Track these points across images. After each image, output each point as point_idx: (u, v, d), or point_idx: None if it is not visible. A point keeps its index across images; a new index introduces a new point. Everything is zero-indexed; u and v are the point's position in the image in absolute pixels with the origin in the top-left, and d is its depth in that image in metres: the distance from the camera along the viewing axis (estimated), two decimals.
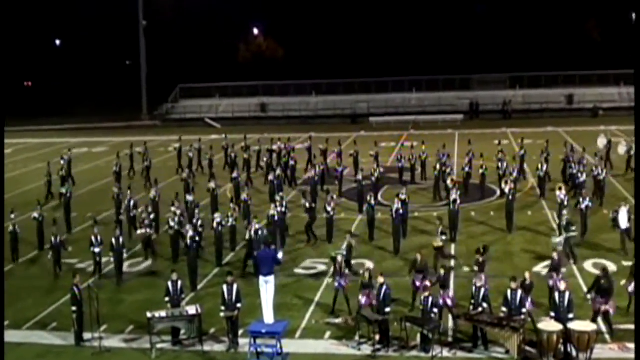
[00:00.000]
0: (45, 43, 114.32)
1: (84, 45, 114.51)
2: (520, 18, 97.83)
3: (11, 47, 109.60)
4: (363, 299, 21.03)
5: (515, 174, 36.24)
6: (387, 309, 20.16)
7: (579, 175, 34.76)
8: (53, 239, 27.53)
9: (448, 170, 37.50)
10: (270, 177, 37.44)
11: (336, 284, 22.73)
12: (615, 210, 27.79)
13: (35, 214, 31.30)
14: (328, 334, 21.26)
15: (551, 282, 21.40)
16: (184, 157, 45.73)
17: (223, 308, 20.57)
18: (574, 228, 26.72)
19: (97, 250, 27.08)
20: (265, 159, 43.82)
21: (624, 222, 27.02)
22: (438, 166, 37.69)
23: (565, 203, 29.73)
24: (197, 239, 26.44)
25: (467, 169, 37.70)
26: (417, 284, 22.32)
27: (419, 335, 19.87)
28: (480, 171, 36.36)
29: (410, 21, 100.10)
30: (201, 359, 20.11)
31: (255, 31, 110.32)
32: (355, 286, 22.39)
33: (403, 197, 30.37)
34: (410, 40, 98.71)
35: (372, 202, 30.55)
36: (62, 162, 43.20)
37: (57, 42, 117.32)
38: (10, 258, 29.29)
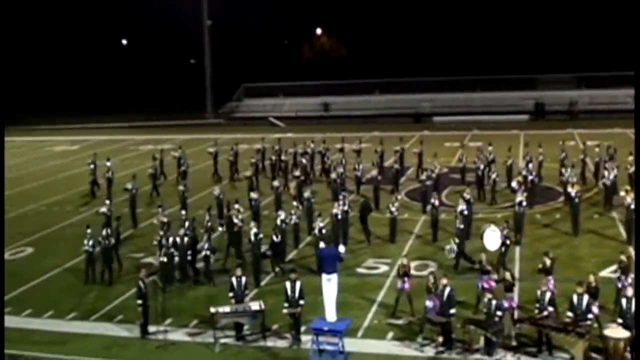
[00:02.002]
0: (112, 42, 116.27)
1: (150, 44, 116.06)
2: (587, 16, 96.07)
3: (80, 46, 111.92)
4: (430, 304, 20.82)
5: (577, 178, 35.50)
6: (451, 311, 20.04)
7: None
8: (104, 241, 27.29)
9: (494, 175, 36.49)
10: (333, 175, 37.51)
11: (399, 286, 22.65)
12: None
13: (103, 209, 31.95)
14: (390, 334, 21.23)
15: (619, 285, 20.97)
16: (244, 156, 45.95)
17: (286, 305, 20.70)
18: None
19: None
20: (325, 159, 43.90)
21: None
22: (482, 166, 37.39)
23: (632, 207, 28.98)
24: (260, 236, 26.61)
25: (524, 172, 36.39)
26: (483, 285, 22.10)
27: (482, 339, 19.73)
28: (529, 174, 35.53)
29: (475, 19, 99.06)
30: (264, 355, 20.28)
31: (319, 31, 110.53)
32: (419, 288, 22.32)
33: (467, 197, 30.13)
34: (475, 38, 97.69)
35: (436, 202, 30.39)
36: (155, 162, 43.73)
37: (124, 41, 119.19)
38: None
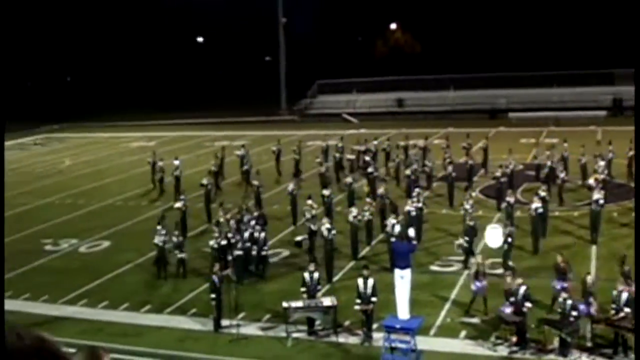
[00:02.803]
0: (188, 40, 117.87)
1: (225, 42, 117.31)
2: None
3: (158, 44, 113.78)
4: (506, 309, 20.36)
5: None
6: (524, 309, 19.67)
7: None
8: (174, 238, 27.53)
9: (562, 174, 35.59)
10: (407, 172, 37.25)
11: (474, 287, 22.31)
12: None
13: (179, 204, 32.38)
14: (463, 333, 20.96)
15: None
16: (311, 154, 46.03)
17: (358, 301, 20.63)
18: None
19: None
20: (396, 156, 43.58)
21: None
22: (549, 163, 36.65)
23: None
24: (333, 232, 26.57)
25: (600, 169, 35.53)
26: (558, 286, 21.60)
27: (557, 339, 19.31)
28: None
29: (553, 13, 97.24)
30: (335, 351, 20.25)
31: (393, 26, 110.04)
32: (493, 286, 21.99)
33: (543, 194, 29.55)
34: (552, 33, 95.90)
35: (511, 199, 29.89)
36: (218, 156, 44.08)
37: (200, 39, 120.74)
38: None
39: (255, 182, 36.10)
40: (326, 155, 44.29)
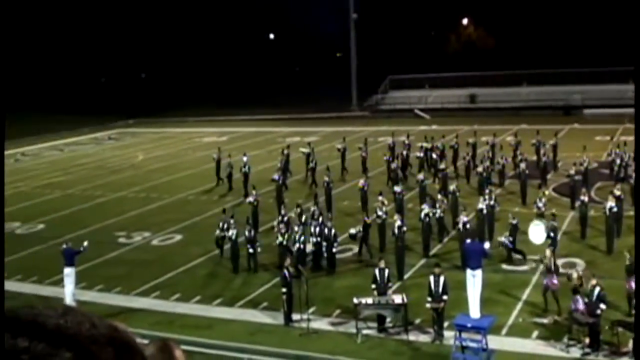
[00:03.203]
0: (260, 37, 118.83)
1: (296, 38, 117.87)
2: None
3: (230, 40, 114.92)
4: (574, 306, 20.04)
5: None
6: (598, 311, 19.31)
7: None
8: (247, 231, 27.66)
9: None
10: (480, 169, 36.89)
11: (544, 282, 22.05)
12: None
13: (251, 199, 32.71)
14: (535, 333, 20.69)
15: None
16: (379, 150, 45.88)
17: (429, 299, 20.53)
18: None
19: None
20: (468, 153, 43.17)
21: None
22: (618, 161, 35.91)
23: None
24: (404, 229, 26.48)
25: None
26: (629, 286, 21.18)
27: (631, 341, 18.91)
28: None
29: (626, 6, 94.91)
30: (406, 348, 20.20)
31: (465, 21, 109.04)
32: (565, 286, 21.65)
33: (617, 193, 28.96)
34: (628, 27, 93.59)
35: (585, 198, 29.36)
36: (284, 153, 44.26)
37: (271, 35, 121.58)
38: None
39: (326, 178, 36.15)
40: (393, 151, 44.00)
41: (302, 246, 26.79)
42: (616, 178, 36.20)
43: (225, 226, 28.28)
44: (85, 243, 25.52)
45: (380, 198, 30.00)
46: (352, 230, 28.24)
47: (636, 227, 24.35)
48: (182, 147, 62.15)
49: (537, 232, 24.53)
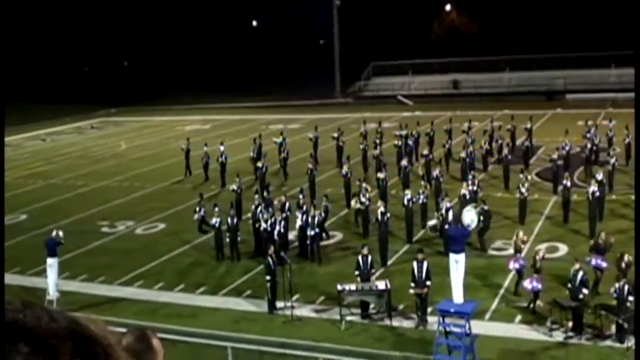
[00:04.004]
0: (243, 24, 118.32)
1: (280, 25, 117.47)
2: None
3: (213, 28, 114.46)
4: (530, 284, 20.71)
5: None
6: (581, 296, 19.42)
7: None
8: (229, 219, 27.43)
9: (612, 160, 34.81)
10: (463, 154, 36.94)
11: (510, 266, 22.38)
12: None
13: (234, 186, 32.63)
14: (519, 317, 20.78)
15: None
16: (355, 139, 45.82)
17: (412, 285, 20.57)
18: None
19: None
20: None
21: None
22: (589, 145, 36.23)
23: None
24: (387, 215, 26.49)
25: None
26: (595, 263, 21.70)
27: (614, 325, 19.03)
28: None
29: None
30: (390, 334, 20.24)
31: (448, 7, 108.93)
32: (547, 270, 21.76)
33: (599, 177, 29.10)
34: (610, 12, 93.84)
35: (567, 182, 29.46)
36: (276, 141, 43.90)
37: (254, 23, 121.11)
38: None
39: (309, 166, 36.12)
40: (381, 138, 43.91)
41: (282, 230, 26.83)
42: (586, 162, 36.58)
43: (198, 209, 29.15)
44: (54, 233, 24.95)
45: (363, 185, 30.01)
46: (431, 222, 28.02)
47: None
48: (165, 135, 61.88)
49: (469, 217, 25.01)
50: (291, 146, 43.98)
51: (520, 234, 23.00)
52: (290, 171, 40.52)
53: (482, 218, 25.01)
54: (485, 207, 26.52)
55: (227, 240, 27.13)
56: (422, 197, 29.20)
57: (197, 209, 30.32)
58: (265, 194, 30.51)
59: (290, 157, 41.33)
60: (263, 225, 26.92)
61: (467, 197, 29.11)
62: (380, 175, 33.43)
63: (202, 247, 28.96)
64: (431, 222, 28.00)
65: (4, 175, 39.22)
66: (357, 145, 42.41)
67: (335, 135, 43.86)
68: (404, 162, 35.69)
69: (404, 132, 43.39)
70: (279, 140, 43.08)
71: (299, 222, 27.06)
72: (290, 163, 41.00)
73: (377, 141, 41.84)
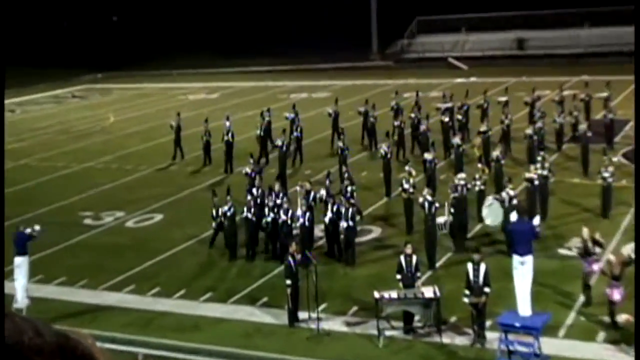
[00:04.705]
0: None
1: None
2: None
3: None
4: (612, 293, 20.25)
5: None
6: None
7: None
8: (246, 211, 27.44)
9: None
10: (529, 131, 36.56)
11: (585, 268, 22.07)
12: None
13: (247, 170, 32.52)
14: (601, 335, 20.46)
15: None
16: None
17: (467, 292, 20.34)
18: None
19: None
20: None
21: None
22: None
23: None
24: (436, 205, 26.24)
25: None
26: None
27: None
28: None
29: None
30: (438, 353, 20.07)
31: None
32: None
33: None
34: None
35: None
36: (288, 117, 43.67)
37: None
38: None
39: (340, 144, 36.01)
40: (419, 110, 43.61)
41: (307, 224, 26.74)
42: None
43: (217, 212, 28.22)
44: (37, 227, 25.16)
45: (406, 167, 29.81)
46: (440, 219, 27.87)
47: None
48: (163, 106, 61.99)
49: (493, 212, 25.19)
50: (317, 120, 43.92)
51: (586, 232, 22.53)
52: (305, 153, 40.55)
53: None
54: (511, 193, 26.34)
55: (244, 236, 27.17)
56: (478, 183, 28.91)
57: (218, 210, 28.57)
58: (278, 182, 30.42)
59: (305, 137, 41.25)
60: (282, 217, 26.75)
61: (536, 183, 28.78)
62: (428, 156, 33.13)
63: (209, 242, 28.86)
64: (441, 219, 27.51)
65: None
66: (395, 118, 42.20)
67: (362, 109, 43.74)
68: (457, 140, 35.38)
69: (448, 104, 43.08)
70: (291, 115, 43.00)
71: (329, 215, 26.89)
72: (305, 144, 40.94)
73: (418, 115, 41.58)
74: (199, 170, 39.83)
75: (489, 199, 26.60)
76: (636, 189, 27.47)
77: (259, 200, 28.25)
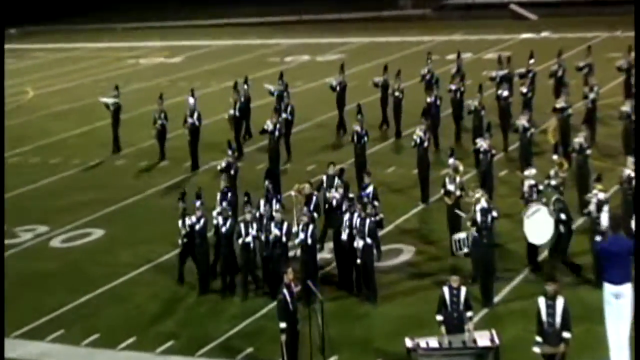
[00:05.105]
0: None
1: None
2: None
3: None
4: None
5: None
6: None
7: None
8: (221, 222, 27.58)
9: None
10: (625, 108, 36.54)
11: None
12: None
13: (224, 163, 32.55)
14: None
15: None
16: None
17: (539, 339, 20.32)
18: None
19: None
20: None
21: None
22: None
23: None
24: (494, 214, 26.22)
25: None
26: None
27: None
28: None
29: None
30: None
31: None
32: None
33: None
34: None
35: None
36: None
37: None
38: None
39: (356, 128, 35.97)
40: (462, 80, 43.61)
41: (310, 242, 26.55)
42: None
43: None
44: None
45: (451, 161, 29.70)
46: (458, 236, 27.87)
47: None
48: (104, 75, 62.09)
49: (537, 226, 25.95)
50: (308, 98, 43.93)
51: None
52: (295, 142, 40.89)
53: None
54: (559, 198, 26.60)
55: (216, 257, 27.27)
56: (554, 182, 28.83)
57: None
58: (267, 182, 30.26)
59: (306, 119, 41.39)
60: (275, 232, 26.70)
61: (631, 182, 28.75)
62: (482, 143, 33.02)
63: (171, 269, 28.90)
64: (459, 235, 27.63)
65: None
66: (428, 92, 42.25)
67: (379, 80, 43.96)
68: (522, 122, 35.30)
69: (505, 72, 43.02)
70: (276, 88, 43.21)
71: (346, 233, 26.86)
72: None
73: (461, 87, 41.60)
74: (153, 167, 39.81)
75: (533, 207, 26.53)
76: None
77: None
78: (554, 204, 26.30)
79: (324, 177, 30.42)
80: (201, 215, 27.34)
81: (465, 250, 27.06)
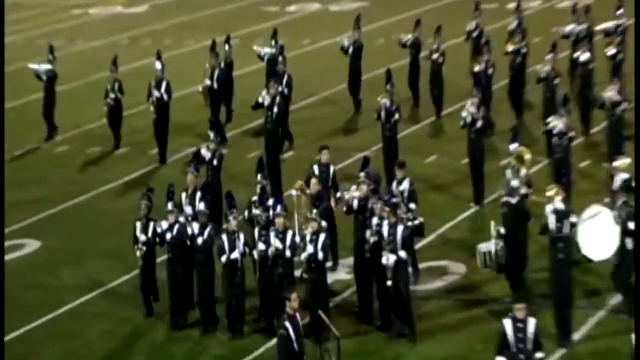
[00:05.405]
0: None
1: None
2: None
3: None
4: None
5: None
6: None
7: None
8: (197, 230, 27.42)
9: None
10: None
11: None
12: None
13: (204, 151, 32.60)
14: None
15: None
16: None
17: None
18: None
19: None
20: None
21: None
22: None
23: None
24: (572, 220, 26.17)
25: None
26: None
27: None
28: None
29: None
30: None
31: None
32: None
33: None
34: None
35: None
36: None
37: None
38: None
39: (385, 101, 35.91)
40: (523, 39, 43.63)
41: (321, 257, 26.41)
42: None
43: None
44: None
45: (512, 147, 29.69)
46: (483, 246, 27.93)
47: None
48: (39, 29, 62.16)
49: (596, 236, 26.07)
50: (299, 64, 44.00)
51: None
52: (297, 122, 41.07)
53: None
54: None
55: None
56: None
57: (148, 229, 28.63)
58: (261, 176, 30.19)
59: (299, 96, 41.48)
60: (276, 244, 26.65)
61: None
62: (556, 123, 32.97)
63: (131, 296, 28.87)
64: (490, 245, 27.67)
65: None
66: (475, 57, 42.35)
67: (407, 39, 44.37)
68: (611, 94, 35.29)
69: (578, 28, 43.04)
70: (267, 50, 43.65)
71: (370, 245, 26.71)
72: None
73: (522, 48, 41.68)
74: (105, 157, 39.80)
75: (593, 209, 26.76)
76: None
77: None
78: (620, 208, 26.14)
79: (315, 167, 30.60)
80: (175, 221, 27.28)
81: (491, 266, 27.36)
